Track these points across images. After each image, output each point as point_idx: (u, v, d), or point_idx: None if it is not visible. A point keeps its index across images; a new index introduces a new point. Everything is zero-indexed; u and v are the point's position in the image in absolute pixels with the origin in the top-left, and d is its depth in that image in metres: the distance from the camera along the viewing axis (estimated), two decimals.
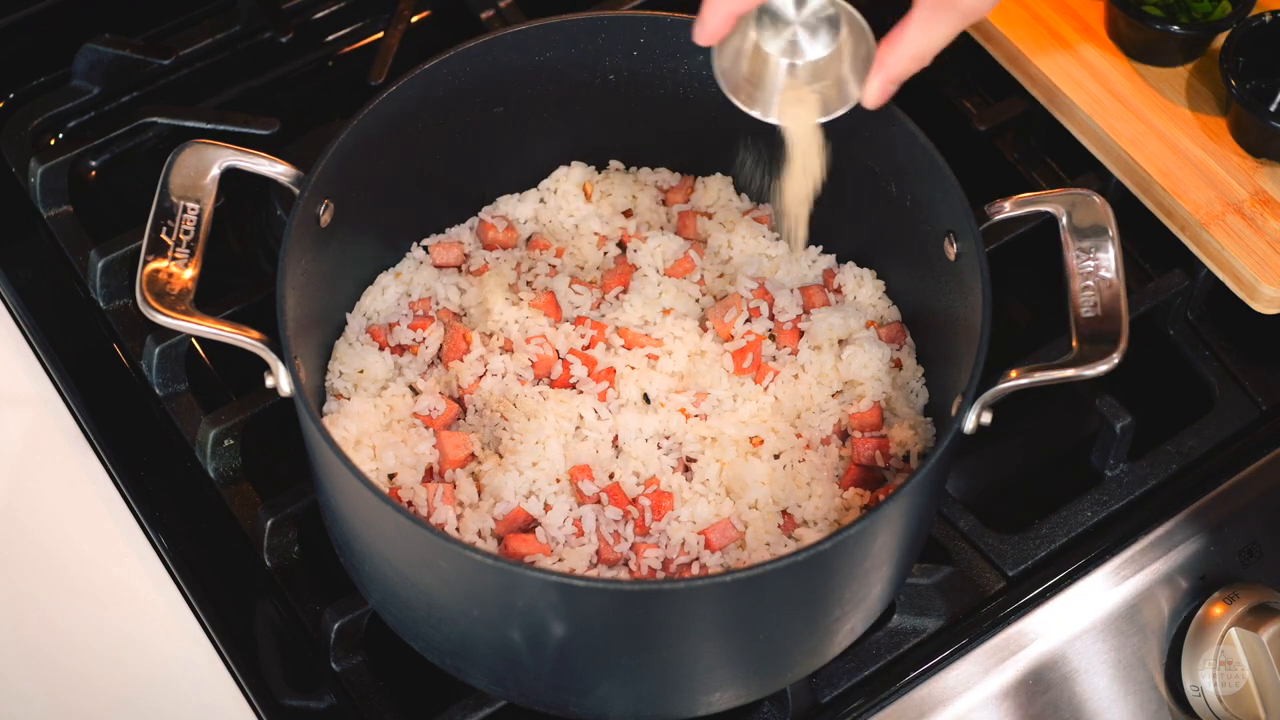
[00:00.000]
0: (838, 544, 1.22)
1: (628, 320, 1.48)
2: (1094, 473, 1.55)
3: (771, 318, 1.49)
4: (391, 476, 1.40)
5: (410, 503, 1.39)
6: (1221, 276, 1.56)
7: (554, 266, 1.52)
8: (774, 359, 1.48)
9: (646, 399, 1.44)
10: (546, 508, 1.38)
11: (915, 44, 1.29)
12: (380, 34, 1.81)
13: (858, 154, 1.44)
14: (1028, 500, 1.55)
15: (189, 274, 1.31)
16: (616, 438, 1.42)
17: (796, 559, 1.21)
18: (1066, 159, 1.70)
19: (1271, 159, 1.59)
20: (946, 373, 1.43)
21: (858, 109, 1.33)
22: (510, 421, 1.42)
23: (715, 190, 1.56)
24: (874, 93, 1.31)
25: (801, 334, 1.48)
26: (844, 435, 1.44)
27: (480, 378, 1.45)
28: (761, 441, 1.42)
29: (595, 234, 1.54)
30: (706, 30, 1.29)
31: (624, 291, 1.50)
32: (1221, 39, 1.61)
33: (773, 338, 1.49)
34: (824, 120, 1.35)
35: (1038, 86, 1.66)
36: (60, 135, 1.72)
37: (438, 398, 1.43)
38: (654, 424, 1.42)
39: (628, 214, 1.55)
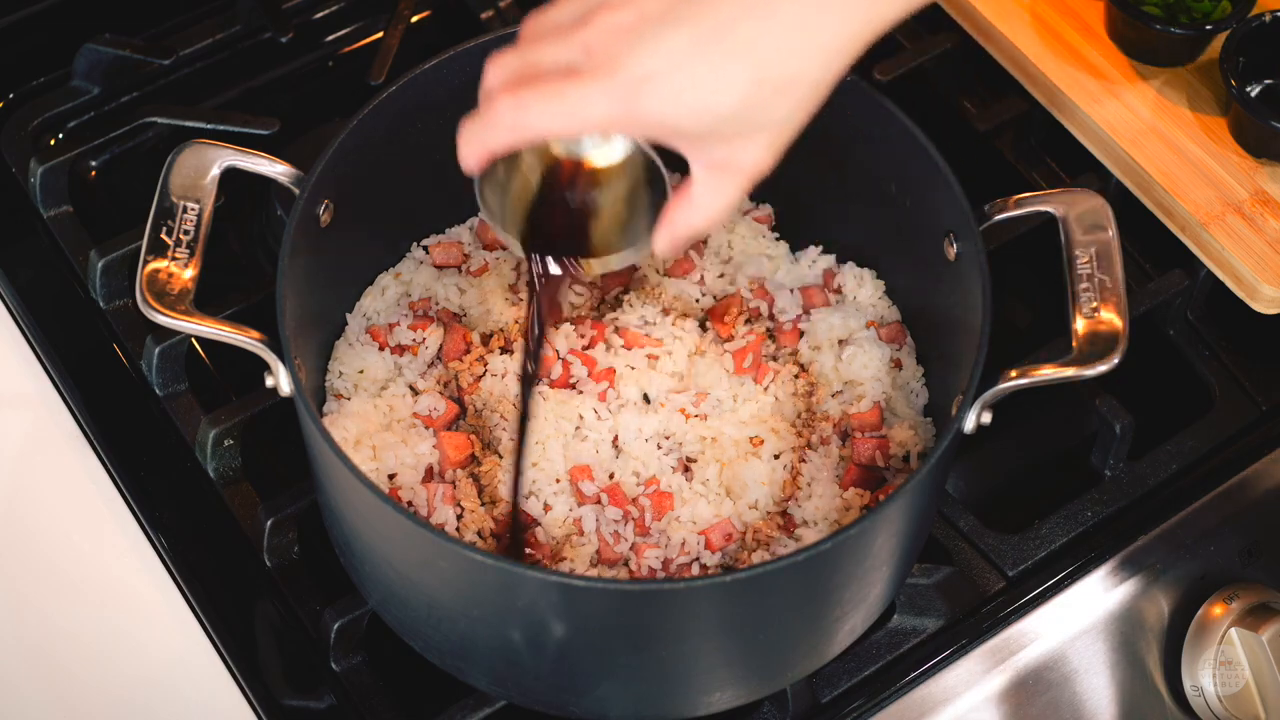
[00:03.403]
0: (838, 544, 1.22)
1: (628, 320, 1.47)
2: (1094, 473, 1.54)
3: (771, 318, 1.49)
4: (391, 476, 1.40)
5: (410, 503, 1.38)
6: (1221, 276, 1.56)
7: None
8: (774, 359, 1.48)
9: (646, 399, 1.44)
10: (546, 508, 1.38)
11: (704, 205, 1.22)
12: (380, 34, 1.81)
13: (858, 154, 1.44)
14: (1028, 500, 1.55)
15: (189, 274, 1.31)
16: (616, 438, 1.42)
17: (796, 559, 1.20)
18: (1066, 159, 1.70)
19: (1271, 159, 1.59)
20: (946, 373, 1.43)
21: (859, 108, 1.32)
22: (510, 421, 1.42)
23: None
24: (662, 245, 1.25)
25: (801, 334, 1.48)
26: (844, 435, 1.44)
27: (480, 378, 1.45)
28: (761, 441, 1.42)
29: None
30: (466, 163, 1.23)
31: (624, 291, 1.50)
32: (1221, 39, 1.61)
33: (773, 338, 1.49)
34: (609, 269, 1.32)
35: (1038, 86, 1.66)
36: (60, 135, 1.72)
37: (438, 398, 1.43)
38: (654, 424, 1.42)
39: None
